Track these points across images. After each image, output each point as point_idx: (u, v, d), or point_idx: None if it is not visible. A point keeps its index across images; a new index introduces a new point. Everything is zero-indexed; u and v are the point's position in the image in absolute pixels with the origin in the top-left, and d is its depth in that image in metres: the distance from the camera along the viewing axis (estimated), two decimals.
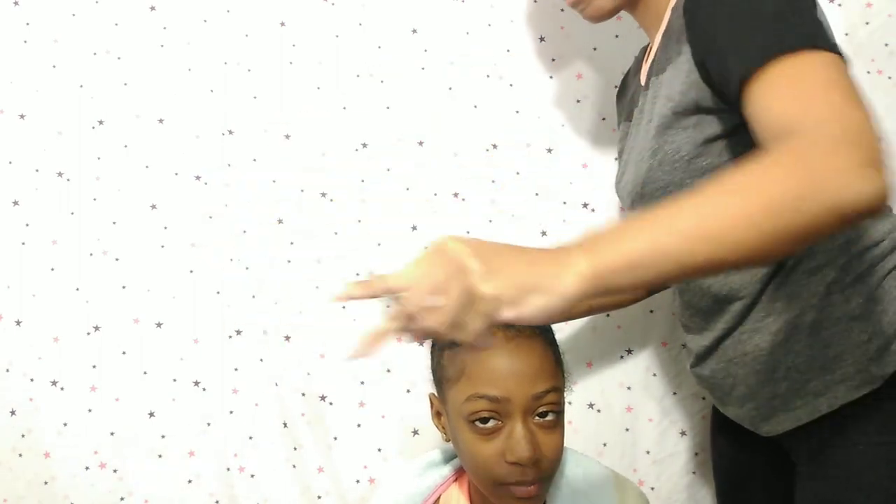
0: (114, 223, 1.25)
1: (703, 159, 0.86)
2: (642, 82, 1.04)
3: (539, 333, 0.86)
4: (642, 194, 0.96)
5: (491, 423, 0.83)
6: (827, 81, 0.68)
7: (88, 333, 1.24)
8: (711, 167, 0.86)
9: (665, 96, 0.89)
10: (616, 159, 1.18)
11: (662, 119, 0.89)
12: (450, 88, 1.31)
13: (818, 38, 0.71)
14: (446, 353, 0.88)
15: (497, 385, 0.82)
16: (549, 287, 0.57)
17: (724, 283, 0.92)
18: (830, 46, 0.71)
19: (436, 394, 0.93)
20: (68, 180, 1.25)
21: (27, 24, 1.24)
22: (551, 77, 1.32)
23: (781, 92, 0.69)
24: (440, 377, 0.90)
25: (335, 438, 1.29)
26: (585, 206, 1.31)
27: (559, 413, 0.85)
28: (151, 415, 1.26)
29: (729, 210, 0.59)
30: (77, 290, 1.24)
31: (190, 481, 1.27)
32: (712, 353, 0.98)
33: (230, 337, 1.27)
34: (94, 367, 1.24)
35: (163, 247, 1.26)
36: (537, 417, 0.83)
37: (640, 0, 0.99)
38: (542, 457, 0.82)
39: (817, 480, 0.91)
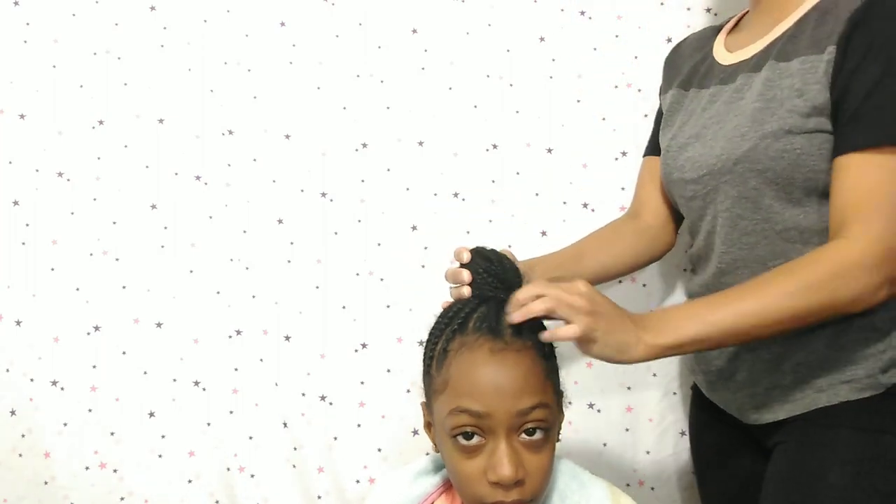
0: (114, 223, 1.25)
1: (813, 159, 0.89)
2: (724, 59, 1.03)
3: (531, 346, 0.80)
4: (730, 170, 0.95)
5: (474, 440, 0.79)
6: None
7: (88, 333, 1.24)
8: (816, 167, 0.89)
9: (793, 87, 0.89)
10: (661, 127, 1.13)
11: (789, 108, 0.89)
12: (450, 88, 1.31)
13: None
14: (435, 363, 0.84)
15: (479, 399, 0.77)
16: (626, 354, 0.81)
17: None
18: None
19: (426, 404, 0.91)
20: (68, 180, 1.25)
21: (27, 24, 1.24)
22: (551, 77, 1.32)
23: (859, 181, 0.84)
24: (429, 389, 0.87)
25: (335, 438, 1.29)
26: (585, 206, 1.31)
27: (547, 430, 0.79)
28: (151, 415, 1.26)
29: (759, 313, 0.82)
30: (77, 290, 1.24)
31: (190, 481, 1.27)
32: None
33: (230, 337, 1.27)
34: (94, 367, 1.24)
35: (163, 247, 1.26)
36: (523, 435, 0.78)
37: None
38: (526, 477, 0.78)
39: (796, 452, 0.93)
